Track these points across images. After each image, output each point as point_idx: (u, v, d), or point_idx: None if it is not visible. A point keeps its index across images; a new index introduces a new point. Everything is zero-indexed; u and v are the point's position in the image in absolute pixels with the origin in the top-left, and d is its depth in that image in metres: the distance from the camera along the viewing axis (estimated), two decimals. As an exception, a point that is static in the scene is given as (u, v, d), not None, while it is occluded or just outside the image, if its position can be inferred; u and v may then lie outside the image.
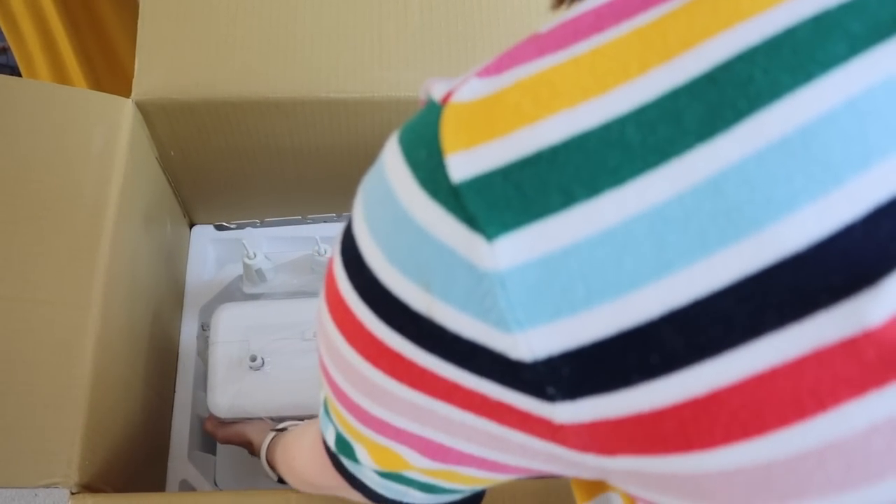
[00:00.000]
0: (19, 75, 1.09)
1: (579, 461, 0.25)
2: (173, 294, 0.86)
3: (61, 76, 1.06)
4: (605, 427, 0.23)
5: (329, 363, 0.31)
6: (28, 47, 1.04)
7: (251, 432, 0.71)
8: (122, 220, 0.68)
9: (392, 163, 0.25)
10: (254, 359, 0.72)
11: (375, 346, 0.26)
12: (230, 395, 0.72)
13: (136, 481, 0.69)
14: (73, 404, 0.59)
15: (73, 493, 0.57)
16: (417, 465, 0.32)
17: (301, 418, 0.70)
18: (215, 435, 0.75)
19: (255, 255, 0.78)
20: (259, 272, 0.80)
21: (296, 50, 0.73)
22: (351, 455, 0.36)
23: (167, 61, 0.73)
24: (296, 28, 0.74)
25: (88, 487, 0.58)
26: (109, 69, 1.08)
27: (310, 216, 0.87)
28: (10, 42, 1.03)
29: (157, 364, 0.79)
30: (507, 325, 0.22)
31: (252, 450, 0.72)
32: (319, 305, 0.31)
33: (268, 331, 0.74)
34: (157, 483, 0.77)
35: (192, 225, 0.93)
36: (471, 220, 0.22)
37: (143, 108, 0.73)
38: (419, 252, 0.24)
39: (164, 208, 0.83)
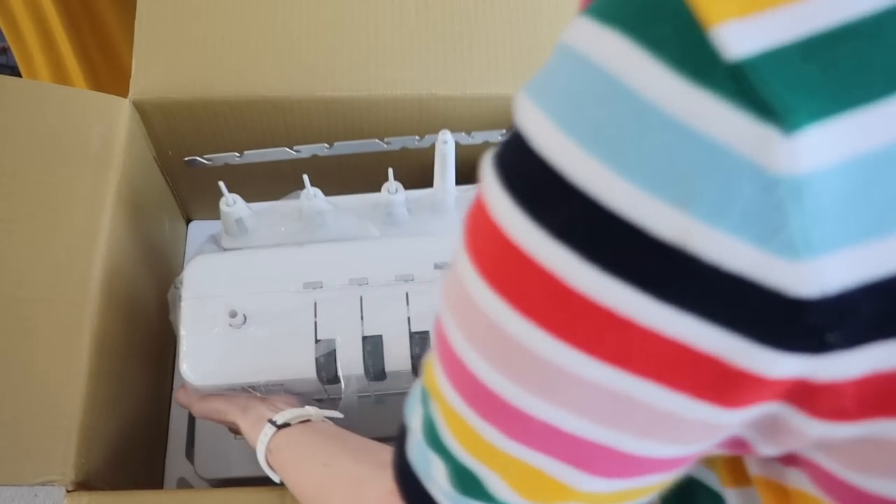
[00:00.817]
0: (19, 75, 1.09)
1: (795, 430, 0.21)
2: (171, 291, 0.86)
3: (61, 76, 1.07)
4: (876, 383, 0.19)
5: (468, 356, 0.25)
6: (28, 47, 1.04)
7: (235, 412, 0.62)
8: (119, 219, 0.68)
9: (607, 45, 0.19)
10: (234, 314, 0.61)
11: (572, 305, 0.21)
12: (206, 359, 0.62)
13: (133, 479, 0.69)
14: (69, 402, 0.59)
15: (68, 492, 0.57)
16: (584, 488, 0.25)
17: (287, 387, 0.63)
18: (191, 408, 0.66)
19: (234, 202, 0.67)
20: (239, 222, 0.69)
21: (292, 49, 0.73)
22: (479, 493, 0.28)
23: (164, 61, 0.73)
24: (292, 27, 0.74)
25: (85, 485, 0.59)
26: (109, 69, 1.09)
27: (296, 146, 0.77)
28: (10, 42, 1.04)
29: (155, 362, 0.79)
30: (794, 251, 0.18)
31: (234, 430, 0.65)
32: (450, 278, 0.26)
33: (250, 284, 0.64)
34: (154, 481, 0.77)
35: (188, 221, 0.93)
36: (762, 108, 0.17)
37: (141, 108, 0.73)
38: (674, 157, 0.18)
39: (161, 206, 0.83)
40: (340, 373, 0.60)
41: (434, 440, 0.29)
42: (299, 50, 0.73)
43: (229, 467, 0.74)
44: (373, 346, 0.61)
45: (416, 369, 0.60)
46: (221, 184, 0.65)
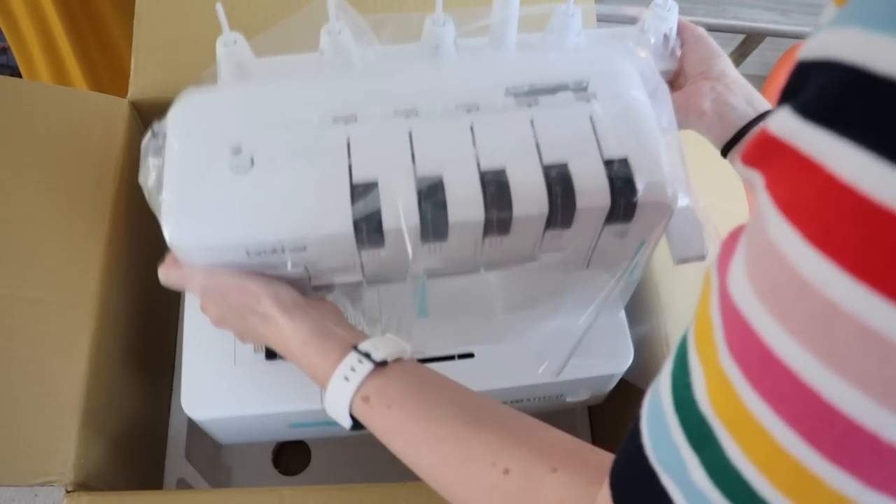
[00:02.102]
0: (20, 75, 1.09)
1: None
2: (170, 293, 0.86)
3: (61, 76, 1.07)
4: None
5: (787, 349, 0.22)
6: (28, 48, 1.04)
7: (268, 304, 0.46)
8: (119, 220, 0.68)
9: None
10: (237, 151, 0.45)
11: None
12: (199, 213, 0.46)
13: (132, 480, 0.69)
14: (68, 403, 0.59)
15: (68, 492, 0.57)
16: None
17: (306, 255, 0.46)
18: (186, 284, 0.49)
19: (234, 42, 0.53)
20: (241, 68, 0.54)
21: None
22: None
23: (163, 61, 0.73)
24: (291, 27, 0.74)
25: (84, 486, 0.59)
26: (109, 69, 1.09)
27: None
28: (11, 42, 1.04)
29: (155, 363, 0.79)
30: None
31: (251, 337, 0.50)
32: (758, 264, 0.23)
33: (259, 119, 0.48)
34: (154, 482, 0.77)
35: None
36: None
37: (139, 108, 0.73)
38: None
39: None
40: (385, 224, 0.45)
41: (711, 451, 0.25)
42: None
43: (226, 403, 0.60)
44: (429, 190, 0.45)
45: (490, 224, 0.46)
46: (220, 8, 0.49)
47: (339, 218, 0.45)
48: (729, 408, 0.24)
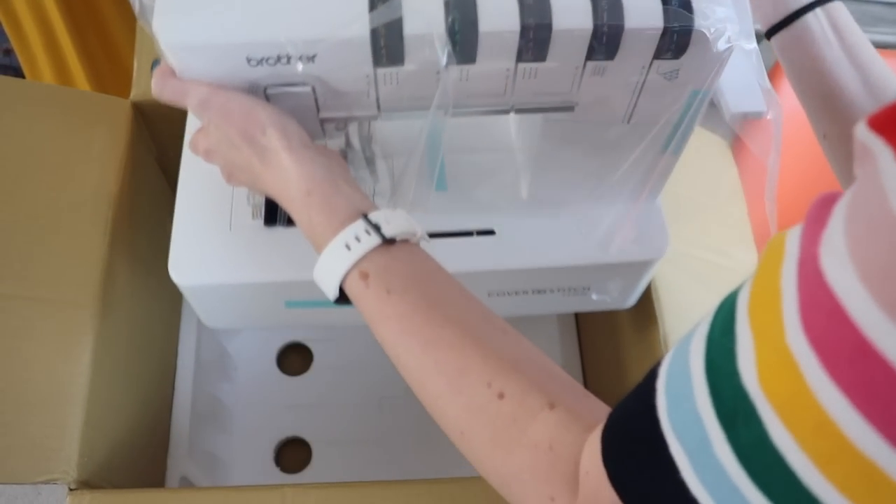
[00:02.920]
0: (23, 77, 1.10)
1: None
2: (171, 294, 0.86)
3: (64, 77, 1.07)
4: None
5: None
6: (31, 49, 1.05)
7: (270, 127, 0.41)
8: (122, 220, 0.69)
9: None
10: None
11: None
12: (196, 4, 0.40)
13: (135, 478, 0.69)
14: (71, 401, 0.60)
15: (71, 490, 0.58)
16: None
17: (316, 67, 0.40)
18: (184, 96, 0.42)
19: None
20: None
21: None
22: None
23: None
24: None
25: (87, 484, 0.59)
26: (112, 70, 1.09)
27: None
28: (14, 44, 1.04)
29: (156, 362, 0.80)
30: None
31: (238, 177, 0.44)
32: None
33: None
34: (157, 480, 0.77)
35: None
36: None
37: (142, 109, 0.74)
38: None
39: (162, 208, 0.83)
40: (406, 31, 0.39)
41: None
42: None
43: (217, 270, 0.55)
44: None
45: (525, 41, 0.41)
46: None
47: (356, 22, 0.39)
48: (787, 390, 0.22)
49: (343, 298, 0.40)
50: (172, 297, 0.86)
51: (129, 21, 1.08)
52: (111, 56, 1.08)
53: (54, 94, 0.72)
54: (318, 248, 0.40)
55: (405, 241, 0.40)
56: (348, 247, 0.39)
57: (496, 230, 0.56)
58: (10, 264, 0.63)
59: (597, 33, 0.40)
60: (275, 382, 0.92)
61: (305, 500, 0.58)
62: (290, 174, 0.41)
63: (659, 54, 0.42)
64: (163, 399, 0.81)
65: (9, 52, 1.23)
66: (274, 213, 0.50)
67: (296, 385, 0.92)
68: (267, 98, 0.43)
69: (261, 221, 0.54)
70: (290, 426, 0.89)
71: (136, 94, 0.73)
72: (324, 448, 0.89)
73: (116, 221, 0.68)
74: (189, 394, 0.82)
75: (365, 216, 0.40)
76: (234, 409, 0.89)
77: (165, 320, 0.83)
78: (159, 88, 0.43)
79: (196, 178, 0.49)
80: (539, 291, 0.58)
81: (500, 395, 0.34)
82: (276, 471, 0.87)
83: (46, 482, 0.57)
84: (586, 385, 0.87)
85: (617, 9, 0.40)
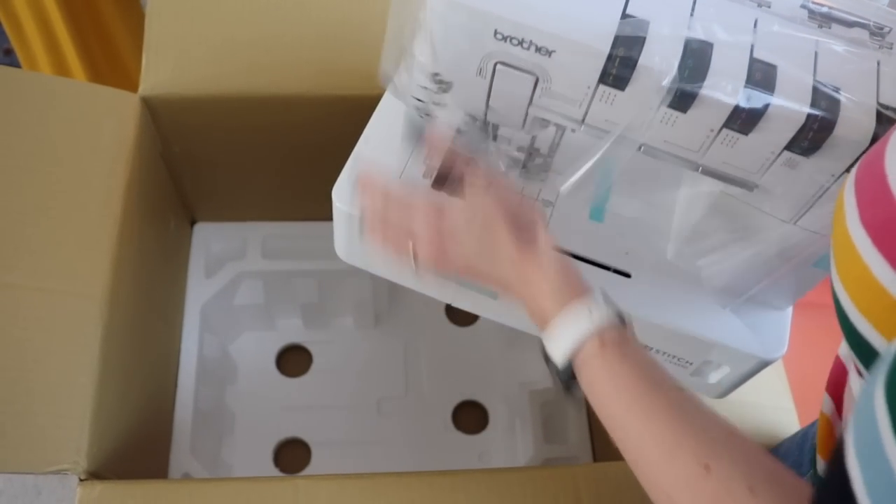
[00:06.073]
0: (21, 76, 1.10)
1: None
2: (176, 291, 0.86)
3: (64, 76, 1.07)
4: None
5: None
6: (32, 49, 1.04)
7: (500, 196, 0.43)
8: (129, 213, 0.69)
9: None
10: None
11: None
12: None
13: (141, 472, 0.69)
14: (81, 392, 0.59)
15: (81, 480, 0.57)
16: None
17: (548, 62, 0.43)
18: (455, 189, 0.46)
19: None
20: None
21: (301, 46, 0.74)
22: None
23: (174, 57, 0.74)
24: (301, 25, 0.75)
25: (96, 475, 0.59)
26: (112, 70, 1.09)
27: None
28: (14, 43, 1.04)
29: (160, 358, 0.79)
30: None
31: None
32: None
33: None
34: (160, 475, 0.77)
35: (193, 223, 0.94)
36: None
37: (150, 104, 0.74)
38: None
39: (167, 204, 0.84)
40: (641, 61, 0.42)
41: None
42: (308, 47, 0.74)
43: None
44: (695, 51, 0.42)
45: (737, 113, 0.42)
46: None
47: (601, 31, 0.42)
48: None
49: (567, 372, 0.42)
50: (176, 296, 0.86)
51: (130, 21, 1.08)
52: (111, 56, 1.08)
53: (65, 87, 0.72)
54: (546, 313, 0.42)
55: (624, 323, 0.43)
56: (590, 311, 0.40)
57: (632, 274, 0.56)
58: (20, 256, 0.62)
59: (804, 128, 0.42)
60: (274, 383, 0.92)
61: (318, 492, 0.58)
62: (548, 270, 0.43)
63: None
64: (166, 395, 0.80)
65: (9, 51, 1.22)
66: (444, 180, 0.51)
67: (295, 386, 0.92)
68: (493, 72, 0.45)
69: (429, 182, 0.53)
70: (289, 427, 0.89)
71: (144, 88, 0.73)
72: (323, 449, 0.88)
73: (124, 214, 0.68)
74: (192, 390, 0.82)
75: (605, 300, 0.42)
76: (234, 409, 0.89)
77: (169, 320, 0.83)
78: (381, 203, 0.47)
79: (386, 125, 0.52)
80: (650, 349, 0.58)
81: (707, 468, 0.35)
82: (275, 471, 0.87)
83: (57, 472, 0.56)
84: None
85: (832, 112, 0.41)
